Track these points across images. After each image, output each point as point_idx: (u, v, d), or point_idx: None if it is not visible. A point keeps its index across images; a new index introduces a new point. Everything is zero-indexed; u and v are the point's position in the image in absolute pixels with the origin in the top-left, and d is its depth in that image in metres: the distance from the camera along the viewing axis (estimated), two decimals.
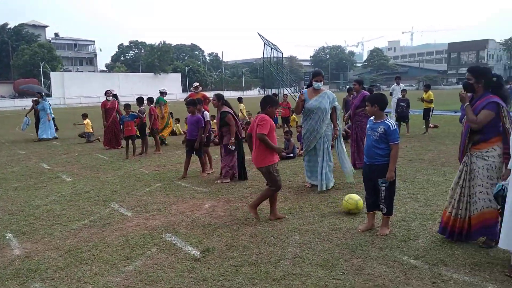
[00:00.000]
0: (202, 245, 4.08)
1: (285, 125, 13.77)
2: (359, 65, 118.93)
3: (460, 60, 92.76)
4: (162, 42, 77.63)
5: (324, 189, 5.92)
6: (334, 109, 6.13)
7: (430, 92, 12.68)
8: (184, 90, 77.01)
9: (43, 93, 15.39)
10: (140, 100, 10.40)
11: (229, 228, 4.54)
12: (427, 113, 12.45)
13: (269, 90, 22.79)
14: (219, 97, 7.09)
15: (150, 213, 5.29)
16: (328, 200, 5.50)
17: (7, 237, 4.57)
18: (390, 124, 3.97)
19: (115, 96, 12.85)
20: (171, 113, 13.50)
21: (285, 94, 15.31)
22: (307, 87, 6.53)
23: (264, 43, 22.06)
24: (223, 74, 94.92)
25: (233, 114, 7.00)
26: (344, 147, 6.36)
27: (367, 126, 4.15)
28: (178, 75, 79.42)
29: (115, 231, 4.66)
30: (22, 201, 6.10)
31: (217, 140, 10.97)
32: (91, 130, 13.50)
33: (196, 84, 12.35)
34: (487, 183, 3.62)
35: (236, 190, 6.29)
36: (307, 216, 4.84)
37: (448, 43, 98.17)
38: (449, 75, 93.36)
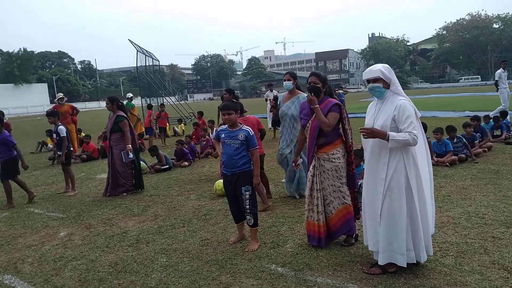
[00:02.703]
0: (49, 284, 3.44)
1: (163, 136, 13.20)
2: (239, 73, 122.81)
3: (326, 68, 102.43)
4: (22, 49, 68.90)
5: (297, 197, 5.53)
6: None
7: None
8: (52, 102, 69.53)
9: None
10: None
11: (85, 259, 3.96)
12: None
13: (149, 99, 21.75)
14: (113, 100, 6.55)
15: None
16: (202, 213, 5.25)
17: None
18: (249, 130, 3.91)
19: None
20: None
21: (162, 104, 14.71)
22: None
23: (137, 51, 20.92)
24: (98, 83, 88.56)
25: (129, 120, 6.52)
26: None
27: (222, 135, 3.95)
28: (45, 86, 71.52)
29: None
30: None
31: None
32: None
33: (60, 95, 11.18)
34: (338, 182, 3.76)
35: (100, 212, 5.62)
36: (177, 234, 4.51)
37: (315, 53, 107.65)
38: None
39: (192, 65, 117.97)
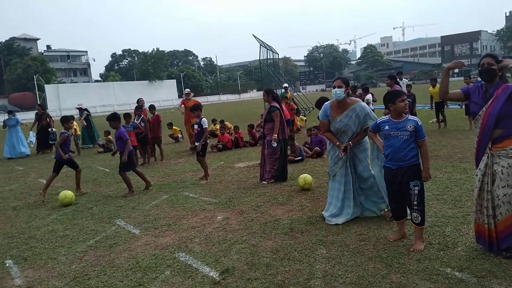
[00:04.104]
0: (220, 265, 3.72)
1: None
2: (353, 62, 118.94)
3: (454, 52, 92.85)
4: (155, 49, 77.21)
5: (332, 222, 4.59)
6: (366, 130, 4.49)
7: (438, 85, 12.32)
8: (180, 96, 76.65)
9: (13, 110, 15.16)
10: (139, 108, 10.00)
11: (247, 244, 4.19)
12: (441, 106, 12.07)
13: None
14: (268, 92, 7.13)
15: (159, 229, 4.93)
16: None
17: (7, 264, 4.21)
18: (417, 120, 3.67)
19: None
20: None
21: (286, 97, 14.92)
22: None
23: (260, 45, 21.73)
24: (218, 78, 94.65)
25: (281, 111, 6.88)
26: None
27: (386, 127, 3.74)
28: (173, 82, 79.13)
29: (123, 252, 4.31)
30: (22, 222, 5.73)
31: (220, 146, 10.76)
32: (79, 132, 13.88)
33: (187, 90, 11.94)
34: None
35: (247, 199, 5.94)
36: (329, 226, 4.49)
37: (441, 36, 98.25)
38: (444, 68, 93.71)
39: (304, 56, 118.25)
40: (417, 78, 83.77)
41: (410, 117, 3.69)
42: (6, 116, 14.07)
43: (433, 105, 12.38)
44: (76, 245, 4.62)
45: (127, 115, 9.32)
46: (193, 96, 12.16)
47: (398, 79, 13.80)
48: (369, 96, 11.36)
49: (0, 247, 4.75)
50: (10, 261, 4.29)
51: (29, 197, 7.33)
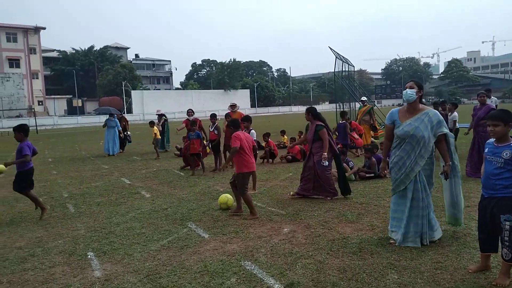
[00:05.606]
0: (285, 278, 3.70)
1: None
2: (435, 77, 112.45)
3: None
4: (232, 60, 79.96)
5: (402, 243, 4.35)
6: (444, 137, 4.32)
7: None
8: (252, 105, 78.37)
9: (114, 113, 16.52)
10: (213, 116, 10.40)
11: (313, 259, 4.12)
12: None
13: (340, 104, 22.31)
14: (309, 111, 6.94)
15: (227, 235, 5.05)
16: None
17: (89, 256, 4.58)
18: None
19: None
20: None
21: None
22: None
23: (336, 57, 21.46)
24: (290, 89, 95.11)
25: (327, 128, 6.74)
26: (460, 188, 4.47)
27: (486, 150, 3.46)
28: (247, 91, 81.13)
29: (193, 254, 4.47)
30: (104, 217, 6.22)
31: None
32: (159, 137, 14.35)
33: (233, 102, 11.87)
34: None
35: (315, 213, 5.85)
36: (402, 250, 4.25)
37: None
38: None
39: (382, 69, 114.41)
40: (507, 96, 76.73)
41: None
42: (107, 117, 15.53)
43: None
44: (150, 243, 4.90)
45: (193, 123, 9.76)
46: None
47: (487, 97, 12.80)
48: (455, 114, 10.56)
49: (84, 239, 5.20)
50: (92, 253, 4.67)
51: (112, 194, 7.94)
